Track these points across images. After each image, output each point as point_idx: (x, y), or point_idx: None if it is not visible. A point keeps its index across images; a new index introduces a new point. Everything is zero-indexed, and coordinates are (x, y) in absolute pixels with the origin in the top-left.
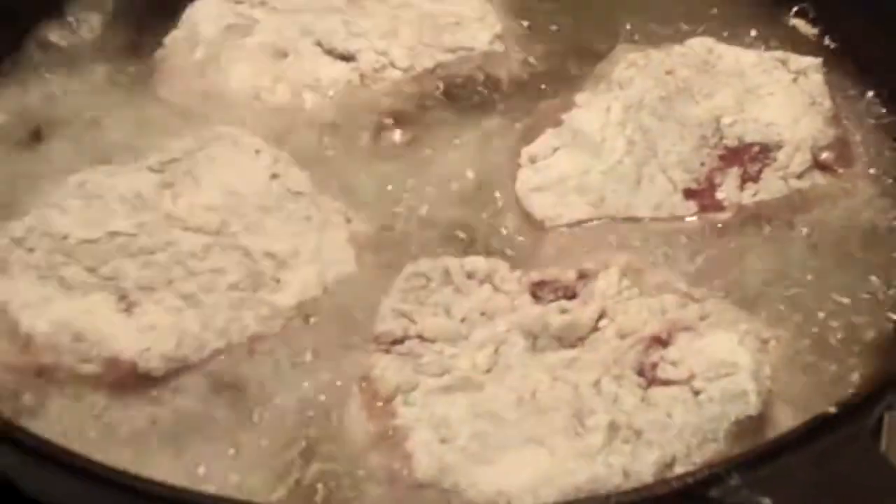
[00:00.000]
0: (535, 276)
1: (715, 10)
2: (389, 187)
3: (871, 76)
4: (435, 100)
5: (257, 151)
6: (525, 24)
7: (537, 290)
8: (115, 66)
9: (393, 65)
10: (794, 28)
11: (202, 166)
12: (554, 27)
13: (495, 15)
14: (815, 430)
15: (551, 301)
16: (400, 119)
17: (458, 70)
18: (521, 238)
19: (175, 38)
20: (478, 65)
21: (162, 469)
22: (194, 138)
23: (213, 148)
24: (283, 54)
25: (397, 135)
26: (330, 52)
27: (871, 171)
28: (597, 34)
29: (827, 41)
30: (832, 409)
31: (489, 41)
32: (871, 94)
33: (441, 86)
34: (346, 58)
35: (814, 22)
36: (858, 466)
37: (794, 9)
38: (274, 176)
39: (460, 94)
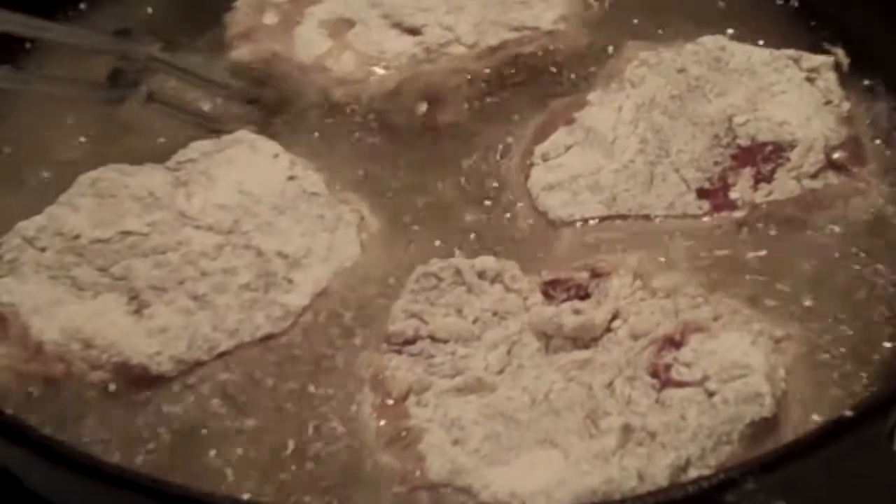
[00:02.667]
0: (547, 275)
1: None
2: (411, 178)
3: (881, 74)
4: (494, 79)
5: (275, 155)
6: (593, 3)
7: (549, 290)
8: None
9: (458, 41)
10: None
11: (218, 167)
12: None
13: None
14: (831, 433)
15: (564, 301)
16: (451, 97)
17: (520, 49)
18: (533, 236)
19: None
20: (541, 44)
21: (171, 468)
22: (213, 141)
23: (231, 150)
24: (350, 24)
25: (441, 114)
26: (397, 26)
27: (885, 170)
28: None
29: (830, 37)
30: (848, 413)
31: (553, 21)
32: (882, 92)
33: (502, 65)
34: (413, 31)
35: (820, 25)
36: (874, 470)
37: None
38: (290, 178)
39: (518, 76)
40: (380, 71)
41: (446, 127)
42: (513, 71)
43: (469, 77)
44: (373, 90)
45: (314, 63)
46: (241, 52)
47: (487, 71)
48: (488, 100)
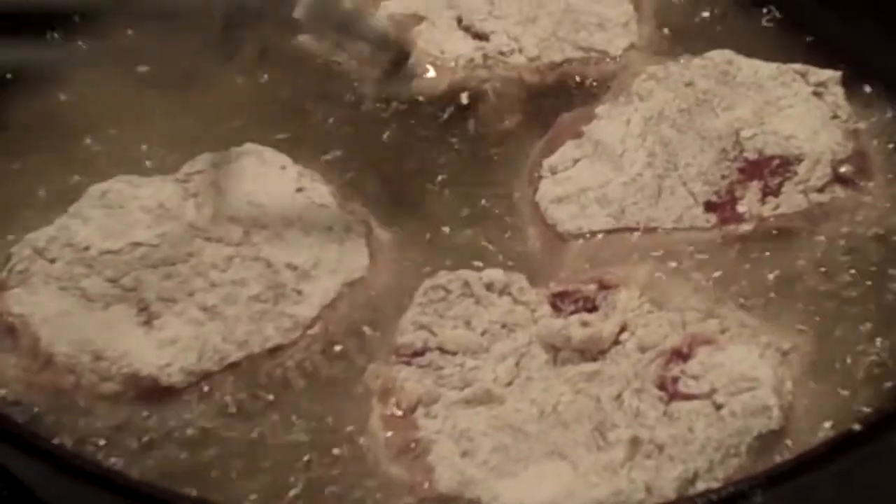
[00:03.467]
0: (556, 287)
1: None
2: (420, 190)
3: (884, 90)
4: (543, 94)
5: (283, 167)
6: (666, 31)
7: (557, 302)
8: None
9: (521, 51)
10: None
11: (227, 178)
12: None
13: (637, 23)
14: (840, 446)
15: (572, 313)
16: (492, 108)
17: (583, 70)
18: (541, 249)
19: None
20: (603, 69)
21: (180, 479)
22: (222, 153)
23: (239, 162)
24: (419, 20)
25: (471, 124)
26: (466, 29)
27: (891, 183)
28: None
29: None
30: (857, 426)
31: (624, 48)
32: (887, 107)
33: (558, 81)
34: (480, 36)
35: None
36: (883, 483)
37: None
38: (299, 190)
39: (567, 93)
40: (433, 71)
41: (459, 134)
42: (566, 88)
43: (521, 88)
44: (423, 88)
45: (371, 56)
46: (305, 38)
47: (540, 84)
48: (519, 115)
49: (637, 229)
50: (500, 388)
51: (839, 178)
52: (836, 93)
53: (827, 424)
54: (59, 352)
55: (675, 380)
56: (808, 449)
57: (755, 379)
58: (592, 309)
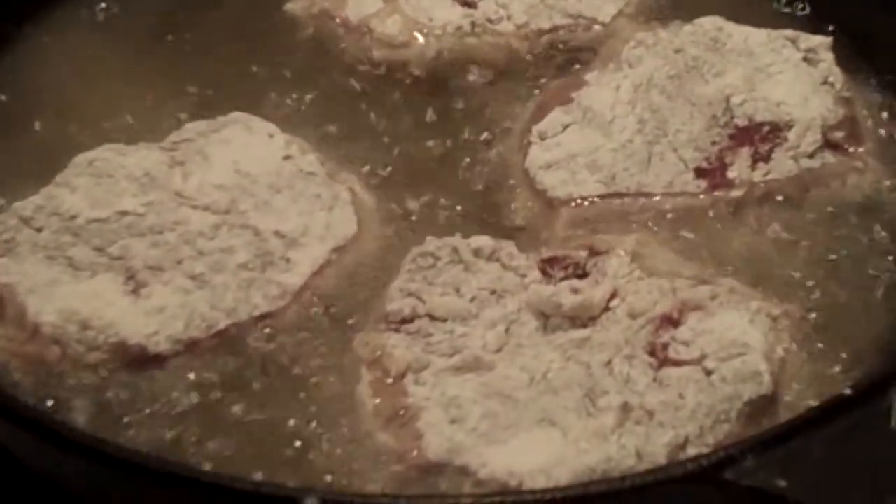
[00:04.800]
0: (546, 252)
1: None
2: (408, 155)
3: (873, 56)
4: (531, 62)
5: (270, 135)
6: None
7: (547, 268)
8: None
9: (509, 18)
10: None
11: (214, 147)
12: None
13: None
14: (830, 412)
15: (562, 279)
16: (482, 75)
17: (571, 37)
18: (531, 215)
19: None
20: (592, 35)
21: (166, 448)
22: (208, 121)
23: (226, 130)
24: None
25: (460, 92)
26: None
27: (881, 148)
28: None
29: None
30: (847, 391)
31: (612, 14)
32: (878, 72)
33: (547, 48)
34: (468, 4)
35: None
36: (873, 448)
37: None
38: (287, 157)
39: (557, 60)
40: (422, 38)
41: (450, 102)
42: (553, 54)
43: (509, 55)
44: (411, 56)
45: (360, 23)
46: (295, 6)
47: (529, 50)
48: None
49: (627, 195)
50: (490, 355)
51: (830, 144)
52: (827, 59)
53: (817, 391)
54: (45, 322)
55: (666, 346)
56: (799, 414)
57: (745, 344)
58: (582, 275)
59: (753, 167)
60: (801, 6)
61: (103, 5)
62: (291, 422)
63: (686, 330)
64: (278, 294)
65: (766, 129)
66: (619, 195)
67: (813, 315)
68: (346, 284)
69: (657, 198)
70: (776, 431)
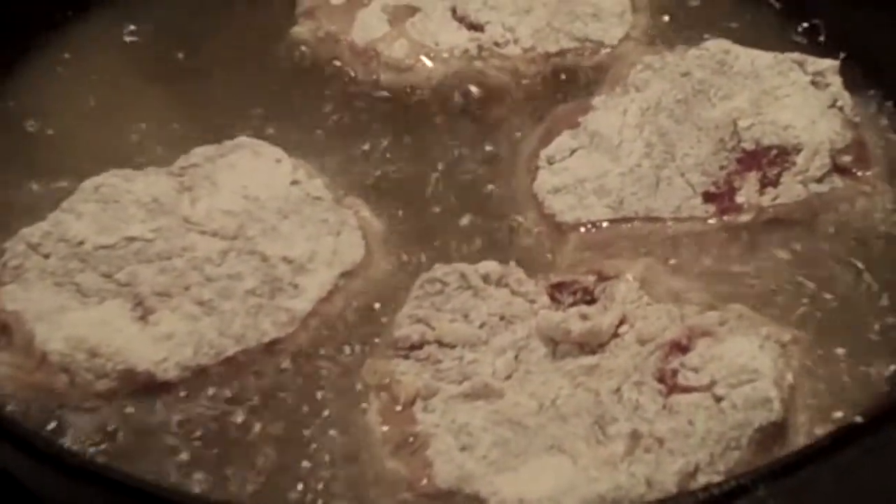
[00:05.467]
0: (554, 278)
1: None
2: (417, 181)
3: (881, 79)
4: (539, 85)
5: (277, 160)
6: (666, 19)
7: (556, 293)
8: None
9: (516, 42)
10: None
11: (222, 172)
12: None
13: (632, 13)
14: (841, 439)
15: (571, 304)
16: (487, 99)
17: (578, 60)
18: (539, 240)
19: None
20: (599, 59)
21: (175, 474)
22: (216, 146)
23: (233, 155)
24: (414, 11)
25: (466, 116)
26: (461, 19)
27: (890, 172)
28: None
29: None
30: (858, 419)
31: (619, 38)
32: (886, 95)
33: (553, 72)
34: (475, 27)
35: (822, 30)
36: (884, 476)
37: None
38: (294, 182)
39: (565, 84)
40: (428, 62)
41: (457, 126)
42: (560, 78)
43: (516, 79)
44: (418, 79)
45: (366, 46)
46: (301, 30)
47: (536, 74)
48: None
49: (635, 219)
50: (499, 382)
51: (838, 168)
52: (835, 82)
53: (827, 419)
54: (53, 350)
55: (675, 372)
56: (810, 442)
57: (755, 371)
58: (591, 300)
59: (762, 192)
60: (806, 26)
61: (132, 27)
62: (300, 448)
63: (695, 356)
64: (287, 320)
65: (773, 152)
66: (627, 220)
67: (823, 341)
68: (353, 310)
69: (665, 223)
70: (787, 460)
